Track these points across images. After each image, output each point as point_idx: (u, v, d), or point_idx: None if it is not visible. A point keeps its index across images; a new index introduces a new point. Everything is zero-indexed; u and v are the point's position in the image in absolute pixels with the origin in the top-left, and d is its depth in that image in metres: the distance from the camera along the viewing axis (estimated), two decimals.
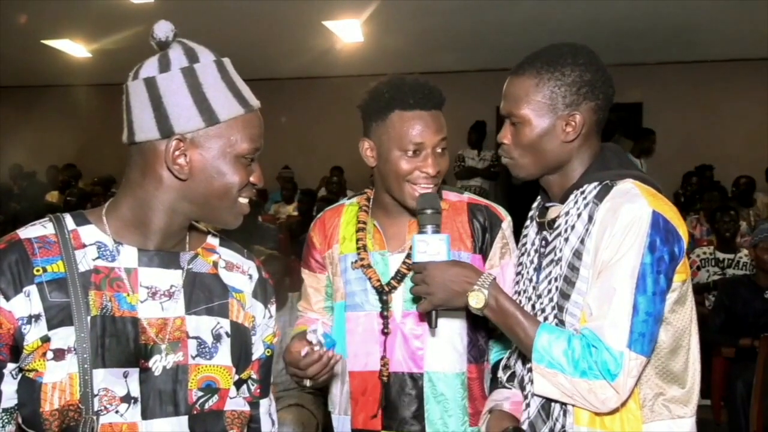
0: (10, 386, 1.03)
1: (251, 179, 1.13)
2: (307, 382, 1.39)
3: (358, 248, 1.67)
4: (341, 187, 7.41)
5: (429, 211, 1.47)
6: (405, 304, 1.63)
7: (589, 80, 1.35)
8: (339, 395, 1.71)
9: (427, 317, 1.49)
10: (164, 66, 1.08)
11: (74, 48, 7.88)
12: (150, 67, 1.09)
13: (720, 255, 4.85)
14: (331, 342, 1.34)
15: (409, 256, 1.61)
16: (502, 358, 1.62)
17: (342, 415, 1.70)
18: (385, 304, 1.63)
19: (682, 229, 1.30)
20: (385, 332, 1.63)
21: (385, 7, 6.09)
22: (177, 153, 1.07)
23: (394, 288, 1.63)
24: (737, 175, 6.76)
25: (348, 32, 7.04)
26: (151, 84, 1.07)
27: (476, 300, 1.35)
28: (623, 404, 1.27)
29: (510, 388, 1.52)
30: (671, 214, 1.29)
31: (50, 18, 6.77)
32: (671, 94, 7.77)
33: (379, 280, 1.64)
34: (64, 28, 7.17)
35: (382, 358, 1.62)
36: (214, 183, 1.09)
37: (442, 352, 1.62)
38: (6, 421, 1.04)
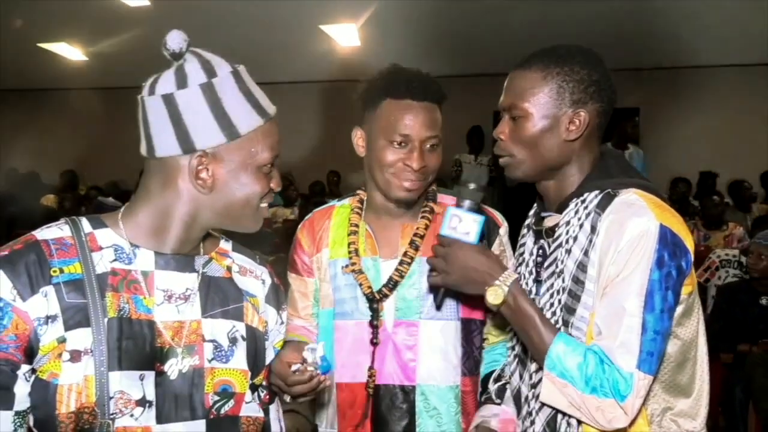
0: (23, 388, 1.02)
1: (271, 185, 1.15)
2: (287, 398, 1.31)
3: (349, 252, 1.59)
4: (323, 194, 7.36)
5: (472, 186, 1.36)
6: (397, 313, 1.56)
7: (596, 80, 1.32)
8: (326, 408, 1.64)
9: (434, 292, 1.43)
10: (181, 81, 1.07)
11: (70, 51, 7.86)
12: (167, 82, 1.08)
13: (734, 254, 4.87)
14: (327, 367, 1.26)
15: (402, 263, 1.56)
16: (492, 371, 1.56)
17: (329, 429, 1.63)
18: (375, 313, 1.56)
19: (688, 241, 1.25)
20: (374, 342, 1.56)
21: (382, 11, 6.10)
22: (200, 168, 1.08)
23: (386, 296, 1.56)
24: (733, 180, 6.77)
25: (345, 36, 7.05)
26: (169, 101, 1.06)
27: (494, 296, 1.28)
28: (631, 423, 1.23)
29: (500, 404, 1.48)
30: (678, 226, 1.25)
31: (46, 21, 6.75)
32: (668, 99, 7.77)
33: (370, 287, 1.56)
34: (60, 31, 7.16)
35: (369, 369, 1.55)
36: (237, 194, 1.11)
37: (435, 365, 1.55)
38: (18, 424, 1.02)
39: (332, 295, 1.61)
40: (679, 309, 1.26)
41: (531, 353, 1.33)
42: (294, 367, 1.26)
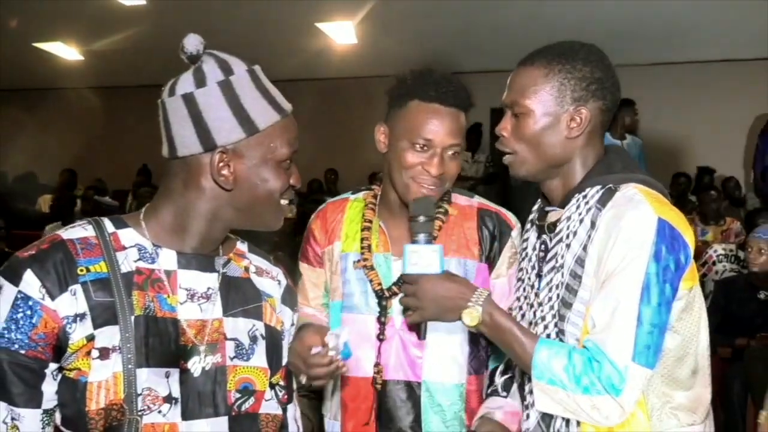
0: (51, 387, 1.04)
1: (291, 181, 1.17)
2: (303, 380, 1.31)
3: (362, 248, 1.60)
4: (321, 192, 7.35)
5: (421, 219, 1.38)
6: (405, 310, 1.55)
7: (599, 78, 1.32)
8: (330, 399, 1.65)
9: (416, 328, 1.45)
10: (200, 81, 1.10)
11: (66, 51, 7.84)
12: (186, 82, 1.10)
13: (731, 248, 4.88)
14: (347, 353, 1.27)
15: None
16: (500, 364, 1.56)
17: (333, 420, 1.64)
18: (383, 309, 1.57)
19: (688, 235, 1.25)
20: (380, 338, 1.57)
21: (379, 8, 6.09)
22: (221, 165, 1.10)
23: (395, 294, 1.56)
24: (730, 175, 6.79)
25: (341, 34, 7.04)
26: (189, 100, 1.09)
27: (470, 318, 1.30)
28: (631, 417, 1.23)
29: (505, 397, 1.48)
30: (677, 220, 1.25)
31: (41, 20, 6.73)
32: (664, 95, 7.77)
33: (380, 284, 1.57)
34: (56, 30, 7.14)
35: (376, 365, 1.56)
36: (258, 190, 1.13)
37: (442, 362, 1.56)
38: (46, 422, 1.04)
39: (341, 288, 1.62)
40: (680, 304, 1.25)
41: (518, 366, 1.34)
42: (314, 350, 1.26)
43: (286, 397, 1.29)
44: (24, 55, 7.90)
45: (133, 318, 1.06)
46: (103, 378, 1.04)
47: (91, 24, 6.78)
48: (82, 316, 1.04)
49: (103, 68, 8.43)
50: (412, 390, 1.56)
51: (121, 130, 9.39)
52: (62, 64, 8.30)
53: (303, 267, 1.71)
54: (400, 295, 1.55)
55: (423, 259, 1.35)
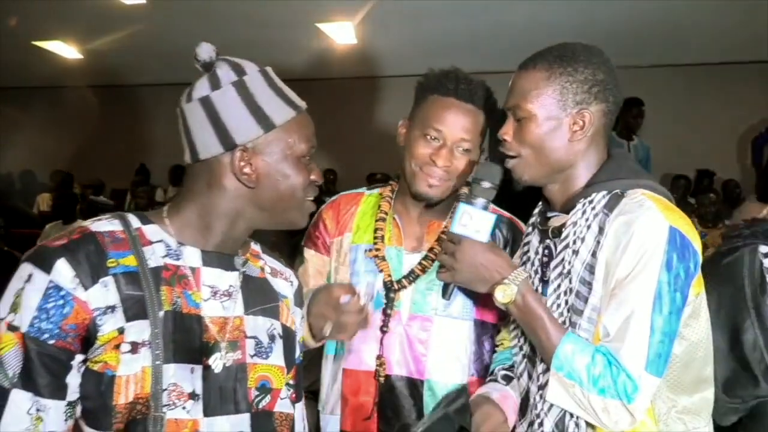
0: (75, 379, 1.03)
1: (312, 177, 1.19)
2: (327, 330, 1.31)
3: (375, 238, 1.61)
4: (320, 192, 7.34)
5: (486, 185, 1.36)
6: (413, 307, 1.57)
7: (601, 80, 1.30)
8: (329, 393, 1.65)
9: (443, 287, 1.44)
10: (215, 84, 1.12)
11: (66, 49, 7.84)
12: (201, 87, 1.13)
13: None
14: (379, 302, 1.27)
15: (426, 258, 1.58)
16: (498, 366, 1.55)
17: (329, 415, 1.64)
18: (390, 302, 1.57)
19: (696, 242, 1.25)
20: (383, 330, 1.57)
21: (379, 9, 6.09)
22: (242, 164, 1.12)
23: (404, 287, 1.57)
24: (724, 180, 6.80)
25: (341, 34, 7.04)
26: (206, 103, 1.11)
27: (503, 294, 1.28)
28: (639, 422, 1.22)
29: (504, 384, 1.48)
30: (686, 227, 1.24)
31: (41, 19, 6.72)
32: (664, 97, 7.78)
33: (390, 276, 1.58)
34: (56, 29, 7.13)
35: (378, 357, 1.56)
36: (280, 186, 1.15)
37: (445, 361, 1.56)
38: (69, 414, 1.03)
39: (348, 279, 1.62)
40: (687, 310, 1.24)
41: (538, 352, 1.32)
42: (344, 299, 1.28)
43: (294, 395, 1.29)
44: (23, 53, 7.88)
45: (161, 313, 1.07)
46: (132, 372, 1.04)
47: (91, 23, 6.76)
48: (113, 308, 1.03)
49: (103, 67, 8.42)
50: (415, 387, 1.56)
51: (120, 129, 9.39)
52: (62, 63, 8.29)
53: (309, 253, 1.71)
54: (410, 288, 1.57)
55: (474, 223, 1.33)
